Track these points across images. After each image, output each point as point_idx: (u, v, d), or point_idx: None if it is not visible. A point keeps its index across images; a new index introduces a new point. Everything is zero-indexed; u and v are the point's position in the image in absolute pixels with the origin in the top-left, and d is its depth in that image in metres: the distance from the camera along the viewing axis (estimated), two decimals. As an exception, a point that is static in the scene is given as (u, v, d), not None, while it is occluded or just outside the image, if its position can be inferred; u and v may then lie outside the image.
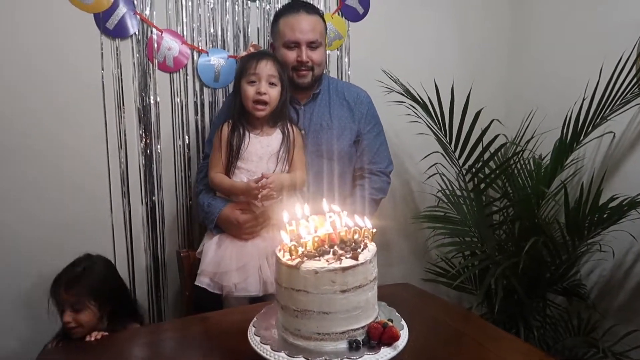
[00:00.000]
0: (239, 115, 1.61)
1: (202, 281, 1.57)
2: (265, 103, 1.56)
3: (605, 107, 1.79)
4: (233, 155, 1.59)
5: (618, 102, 1.79)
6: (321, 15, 1.78)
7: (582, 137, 1.87)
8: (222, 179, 1.60)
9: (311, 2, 2.08)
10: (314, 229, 1.09)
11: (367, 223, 1.12)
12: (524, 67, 2.49)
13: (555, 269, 1.95)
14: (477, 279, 2.07)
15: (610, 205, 1.73)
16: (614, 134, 2.06)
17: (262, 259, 1.57)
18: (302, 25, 1.68)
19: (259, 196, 1.51)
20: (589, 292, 2.14)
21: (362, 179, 1.85)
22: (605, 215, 1.74)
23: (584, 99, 1.83)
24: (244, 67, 1.59)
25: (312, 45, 1.69)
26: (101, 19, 1.79)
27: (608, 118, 1.83)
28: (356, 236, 1.10)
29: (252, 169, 1.59)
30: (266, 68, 1.55)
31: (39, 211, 1.81)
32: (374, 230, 1.11)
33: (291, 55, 1.69)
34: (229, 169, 1.60)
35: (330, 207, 1.13)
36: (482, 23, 2.47)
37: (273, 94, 1.57)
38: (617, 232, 1.88)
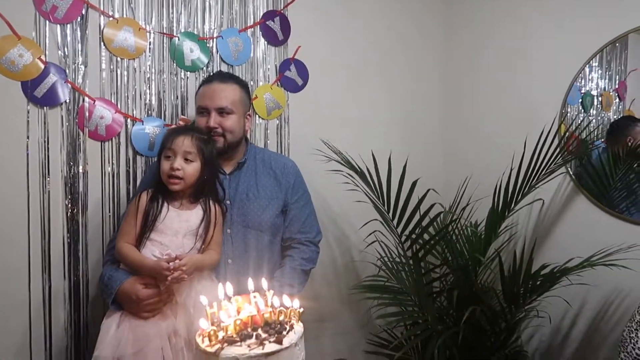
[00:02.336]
0: (159, 186, 1.56)
1: None
2: (179, 178, 1.53)
3: (532, 177, 1.87)
4: (148, 226, 1.50)
5: (543, 172, 1.87)
6: (240, 83, 1.79)
7: (512, 205, 1.93)
8: (130, 252, 1.49)
9: (249, 72, 2.13)
10: (236, 310, 1.03)
11: (294, 303, 1.07)
12: (458, 138, 2.61)
13: (495, 337, 1.94)
14: (420, 349, 2.02)
15: (543, 272, 1.77)
16: (543, 200, 2.15)
17: (164, 340, 1.43)
18: (213, 93, 1.71)
19: (169, 278, 1.41)
20: (531, 358, 2.13)
21: (291, 249, 1.81)
22: (538, 283, 1.77)
23: (511, 169, 1.90)
24: (163, 141, 1.58)
25: (221, 111, 1.70)
26: (29, 87, 1.74)
27: (535, 187, 1.91)
28: (282, 317, 1.05)
29: (165, 243, 1.50)
30: (183, 144, 1.54)
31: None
32: (301, 309, 1.07)
33: (202, 121, 1.71)
34: (140, 240, 1.51)
35: (256, 285, 1.08)
36: (417, 95, 2.58)
37: (189, 170, 1.54)
38: (552, 297, 1.91)
